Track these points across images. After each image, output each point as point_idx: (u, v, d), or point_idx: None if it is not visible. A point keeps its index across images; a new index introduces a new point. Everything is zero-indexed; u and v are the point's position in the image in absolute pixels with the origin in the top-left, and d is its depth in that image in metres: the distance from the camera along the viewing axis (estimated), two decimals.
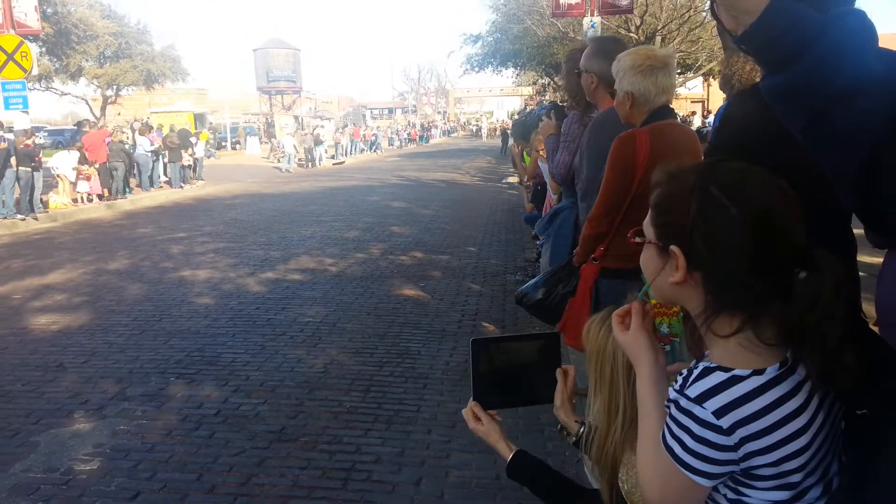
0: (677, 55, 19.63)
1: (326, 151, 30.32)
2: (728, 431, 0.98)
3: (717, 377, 1.00)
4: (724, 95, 5.34)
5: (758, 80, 5.27)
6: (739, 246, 0.98)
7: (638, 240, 1.13)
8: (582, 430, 1.60)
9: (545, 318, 3.26)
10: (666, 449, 1.04)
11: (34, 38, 19.93)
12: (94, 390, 4.37)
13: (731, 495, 1.07)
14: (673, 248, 1.04)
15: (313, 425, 3.84)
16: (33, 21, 15.28)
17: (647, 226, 1.11)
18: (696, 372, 1.02)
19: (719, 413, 0.98)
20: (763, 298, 0.99)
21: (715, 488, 1.07)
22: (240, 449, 3.57)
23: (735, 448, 0.99)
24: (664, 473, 1.06)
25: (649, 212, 1.12)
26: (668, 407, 1.05)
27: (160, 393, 4.32)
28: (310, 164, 26.77)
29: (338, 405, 4.10)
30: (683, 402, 1.00)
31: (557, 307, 2.96)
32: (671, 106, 2.72)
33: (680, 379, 1.04)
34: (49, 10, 23.56)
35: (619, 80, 2.64)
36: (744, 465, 1.01)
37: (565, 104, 4.86)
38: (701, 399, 0.99)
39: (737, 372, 1.00)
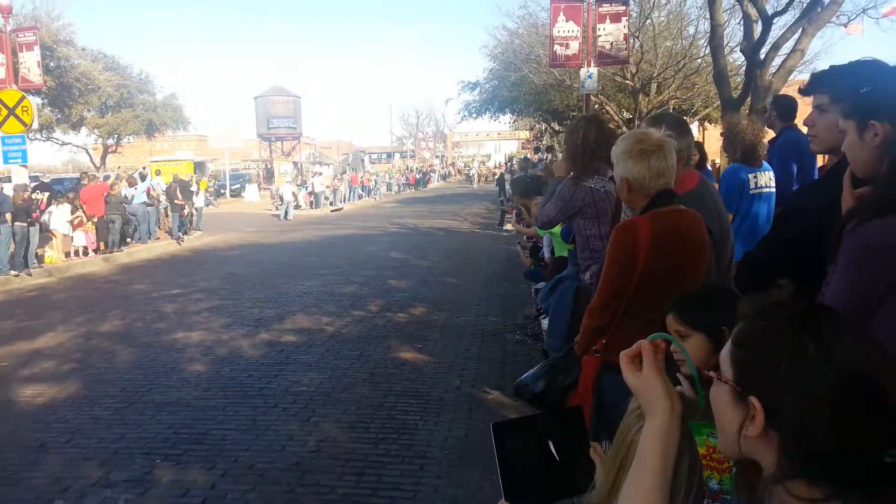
0: (672, 102, 19.84)
1: (326, 199, 30.47)
2: None
3: None
4: (723, 147, 5.30)
5: (764, 140, 5.18)
6: (830, 415, 0.85)
7: (713, 374, 0.99)
8: None
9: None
10: None
11: (37, 91, 20.17)
12: (76, 475, 4.17)
13: None
14: (753, 399, 0.90)
15: None
16: (36, 76, 15.45)
17: (725, 361, 0.97)
18: None
19: None
20: (847, 475, 0.86)
21: None
22: None
23: None
24: None
25: (729, 346, 0.98)
26: None
27: (144, 478, 4.12)
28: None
29: (330, 491, 3.90)
30: None
31: (559, 400, 2.80)
32: (672, 189, 2.61)
33: None
34: (52, 65, 23.85)
35: (615, 167, 2.56)
36: None
37: None
38: None
39: None
